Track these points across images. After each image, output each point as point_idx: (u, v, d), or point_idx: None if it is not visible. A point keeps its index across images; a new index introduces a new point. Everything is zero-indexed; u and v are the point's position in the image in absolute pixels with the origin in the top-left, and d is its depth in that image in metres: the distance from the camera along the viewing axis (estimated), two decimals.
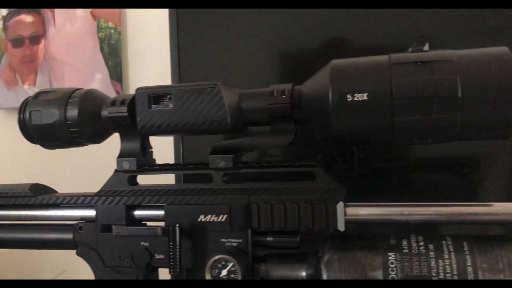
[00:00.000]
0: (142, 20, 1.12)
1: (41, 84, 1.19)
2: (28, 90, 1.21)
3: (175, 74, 0.82)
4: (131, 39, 1.14)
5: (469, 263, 0.33)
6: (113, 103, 0.41)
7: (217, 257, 0.38)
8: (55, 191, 0.47)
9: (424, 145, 0.36)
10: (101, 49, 1.15)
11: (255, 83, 0.74)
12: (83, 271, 1.19)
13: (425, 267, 0.34)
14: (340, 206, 0.36)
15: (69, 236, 0.44)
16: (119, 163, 0.42)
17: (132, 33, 1.14)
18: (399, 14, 0.65)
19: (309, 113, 0.37)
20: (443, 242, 0.35)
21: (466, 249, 0.34)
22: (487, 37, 0.63)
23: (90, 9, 1.16)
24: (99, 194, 0.43)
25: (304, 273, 0.37)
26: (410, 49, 0.36)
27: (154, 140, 0.46)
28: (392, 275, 0.34)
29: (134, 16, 1.13)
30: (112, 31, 1.16)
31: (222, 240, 0.39)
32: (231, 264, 0.37)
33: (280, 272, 0.38)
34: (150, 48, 1.11)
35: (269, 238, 0.39)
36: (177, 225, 0.38)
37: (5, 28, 1.22)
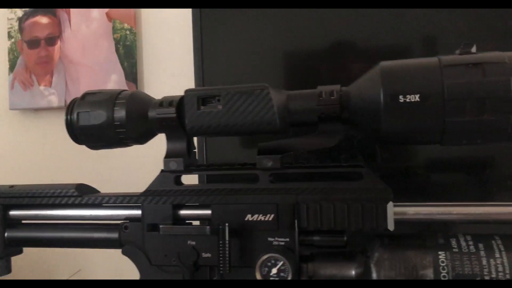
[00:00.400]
0: (157, 21, 1.13)
1: (57, 85, 1.20)
2: (44, 91, 1.22)
3: (199, 74, 0.82)
4: (146, 40, 1.15)
5: None
6: (161, 104, 0.42)
7: (266, 255, 0.38)
8: (97, 191, 0.48)
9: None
10: (117, 50, 1.16)
11: (279, 83, 0.75)
12: (98, 270, 1.20)
13: (476, 266, 0.34)
14: (390, 205, 0.37)
15: (114, 235, 0.44)
16: (166, 163, 0.43)
17: (147, 34, 1.15)
18: (404, 15, 0.66)
19: (357, 114, 0.38)
20: (493, 241, 0.36)
21: None
22: (493, 38, 0.64)
23: (106, 11, 1.17)
24: (146, 193, 0.43)
25: (353, 272, 0.38)
26: (457, 51, 0.36)
27: None
28: (444, 273, 0.35)
29: (149, 17, 1.14)
30: (128, 32, 1.17)
31: (270, 239, 0.40)
32: (281, 263, 0.38)
33: (328, 270, 0.39)
34: (165, 49, 1.12)
35: (316, 237, 0.40)
36: (227, 224, 0.39)
37: (20, 29, 1.24)
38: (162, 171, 0.44)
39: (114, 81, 1.16)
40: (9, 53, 1.24)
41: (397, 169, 0.66)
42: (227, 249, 0.39)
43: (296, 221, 0.39)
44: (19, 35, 1.23)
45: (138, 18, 1.16)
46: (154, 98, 0.44)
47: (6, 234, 0.47)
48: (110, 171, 1.13)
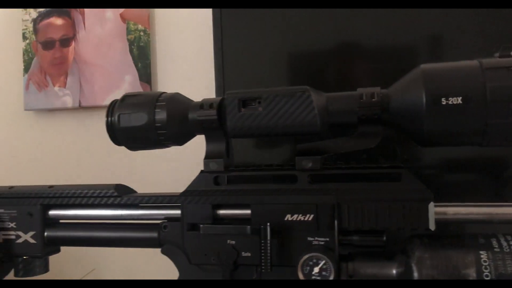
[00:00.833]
0: (171, 22, 1.14)
1: (71, 86, 1.21)
2: (58, 92, 1.23)
3: (219, 75, 0.83)
4: (160, 41, 1.16)
5: None
6: (201, 106, 0.43)
7: (308, 255, 0.39)
8: (134, 191, 0.49)
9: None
10: (131, 51, 1.17)
11: (297, 83, 0.75)
12: (111, 270, 1.21)
13: None
14: (431, 206, 0.37)
15: (153, 234, 0.45)
16: (206, 164, 0.44)
17: (161, 35, 1.15)
18: (410, 14, 0.67)
19: (398, 116, 0.39)
20: None
21: None
22: (499, 38, 0.64)
23: (120, 12, 1.18)
24: (185, 194, 0.44)
25: (394, 271, 0.39)
26: (497, 54, 0.37)
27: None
28: (486, 273, 0.35)
29: (163, 18, 1.15)
30: (141, 33, 1.18)
31: (309, 238, 0.41)
32: (322, 262, 0.39)
33: (369, 270, 0.39)
34: (179, 50, 1.13)
35: (355, 237, 0.41)
36: (268, 224, 0.40)
37: (35, 30, 1.25)
38: (201, 171, 0.44)
39: (128, 82, 1.17)
40: (24, 54, 1.25)
41: (417, 170, 0.67)
42: (268, 248, 0.40)
43: (336, 221, 0.40)
44: (33, 36, 1.24)
45: (152, 19, 1.17)
46: (192, 100, 0.45)
47: (45, 234, 0.48)
48: (123, 171, 1.14)
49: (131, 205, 0.46)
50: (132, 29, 1.18)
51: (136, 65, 1.17)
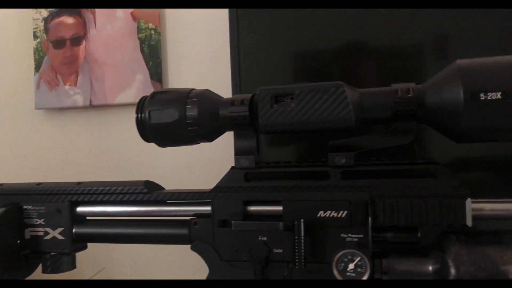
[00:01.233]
0: (181, 21, 1.14)
1: (82, 84, 1.21)
2: (69, 91, 1.23)
3: (235, 73, 0.83)
4: (171, 40, 1.16)
5: None
6: (233, 103, 0.42)
7: (343, 251, 0.39)
8: (163, 188, 0.48)
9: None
10: (141, 50, 1.17)
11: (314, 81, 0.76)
12: (122, 268, 1.20)
13: None
14: (468, 202, 0.37)
15: (183, 231, 0.45)
16: (237, 160, 0.43)
17: (171, 34, 1.15)
18: (416, 14, 0.67)
19: (434, 112, 0.38)
20: None
21: None
22: (504, 36, 0.64)
23: (131, 10, 1.18)
24: (216, 190, 0.44)
25: (430, 268, 0.38)
26: None
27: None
28: None
29: (174, 17, 1.15)
30: (152, 32, 1.18)
31: (342, 235, 0.41)
32: (358, 259, 0.39)
33: (404, 266, 0.39)
34: (189, 49, 1.13)
35: (389, 234, 0.40)
36: (302, 220, 0.40)
37: (46, 29, 1.25)
38: (232, 168, 0.44)
39: (139, 80, 1.17)
40: (34, 53, 1.25)
41: None
42: (302, 244, 0.39)
43: (370, 218, 0.40)
44: (44, 35, 1.24)
45: (163, 18, 1.17)
46: (222, 97, 0.45)
47: (74, 230, 0.48)
48: (133, 169, 1.14)
49: (160, 201, 0.46)
50: (143, 27, 1.18)
51: (147, 64, 1.17)
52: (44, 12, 1.25)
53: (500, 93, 0.35)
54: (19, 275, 0.49)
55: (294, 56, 0.82)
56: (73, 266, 0.49)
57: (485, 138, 0.37)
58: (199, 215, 0.45)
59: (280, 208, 0.42)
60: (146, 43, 1.17)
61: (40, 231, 0.48)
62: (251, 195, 0.43)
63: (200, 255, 0.45)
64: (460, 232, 0.39)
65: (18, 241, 0.48)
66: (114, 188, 0.46)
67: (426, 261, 0.39)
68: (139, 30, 1.17)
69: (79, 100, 1.21)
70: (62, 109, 1.24)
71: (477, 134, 0.37)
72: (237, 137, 0.44)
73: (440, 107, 0.38)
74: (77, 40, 1.22)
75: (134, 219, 0.47)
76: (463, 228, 0.38)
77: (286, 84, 0.41)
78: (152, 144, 1.22)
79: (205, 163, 1.07)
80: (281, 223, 0.41)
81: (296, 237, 0.40)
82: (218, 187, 0.44)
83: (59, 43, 1.24)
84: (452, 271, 0.37)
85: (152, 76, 1.15)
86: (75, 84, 1.22)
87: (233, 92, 0.84)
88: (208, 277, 0.45)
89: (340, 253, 0.39)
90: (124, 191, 0.46)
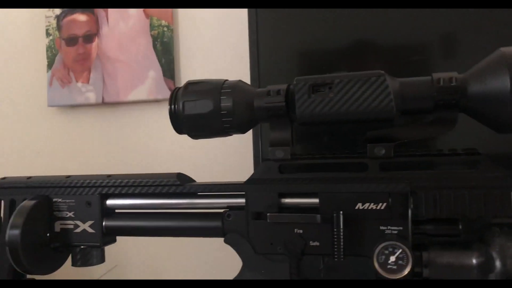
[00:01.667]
0: (193, 18, 1.14)
1: (94, 81, 1.21)
2: (82, 88, 1.23)
3: (255, 69, 0.82)
4: (183, 37, 1.15)
5: None
6: (268, 93, 0.42)
7: (385, 243, 0.38)
8: (194, 180, 0.48)
9: None
10: (154, 47, 1.17)
11: None
12: (134, 266, 1.20)
13: None
14: None
15: (217, 223, 0.44)
16: (272, 152, 0.43)
17: (184, 30, 1.15)
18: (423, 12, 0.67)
19: (477, 102, 0.37)
20: None
21: None
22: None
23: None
24: (250, 182, 0.43)
25: (473, 260, 0.37)
26: None
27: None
28: None
29: (186, 14, 1.14)
30: (165, 29, 1.17)
31: (382, 227, 0.40)
32: (399, 251, 0.38)
33: (445, 259, 0.38)
34: (202, 46, 1.13)
35: (429, 226, 0.40)
36: (341, 212, 0.39)
37: (59, 27, 1.24)
38: (266, 159, 0.44)
39: (152, 77, 1.17)
40: (47, 51, 1.25)
41: None
42: (341, 237, 0.39)
43: (410, 210, 0.39)
44: (57, 32, 1.24)
45: (175, 15, 1.16)
46: (255, 88, 0.44)
47: (104, 223, 0.48)
48: (146, 166, 1.14)
49: (192, 194, 0.45)
50: (156, 24, 1.17)
51: (159, 61, 1.16)
52: (57, 10, 1.24)
53: None
54: (49, 268, 0.48)
55: (309, 53, 0.82)
56: (102, 259, 0.49)
57: None
58: (232, 208, 0.45)
59: (316, 200, 0.42)
60: (158, 40, 1.16)
61: (70, 224, 0.48)
62: (287, 187, 0.42)
63: (233, 248, 0.44)
64: (505, 224, 0.38)
65: (48, 234, 0.48)
66: (146, 180, 0.46)
67: (469, 254, 0.38)
68: (152, 27, 1.17)
69: (92, 97, 1.20)
70: (74, 106, 1.24)
71: None
72: (272, 128, 0.43)
73: (484, 96, 0.37)
74: (89, 37, 1.22)
75: (164, 212, 0.47)
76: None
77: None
78: (164, 141, 1.22)
79: (218, 159, 1.06)
80: (318, 215, 0.40)
81: (335, 230, 0.39)
82: (252, 179, 0.44)
83: (71, 41, 1.23)
84: (498, 264, 0.36)
85: (164, 73, 1.15)
86: (88, 81, 1.22)
87: None
88: (241, 270, 0.44)
89: (381, 246, 0.38)
90: (156, 183, 0.45)
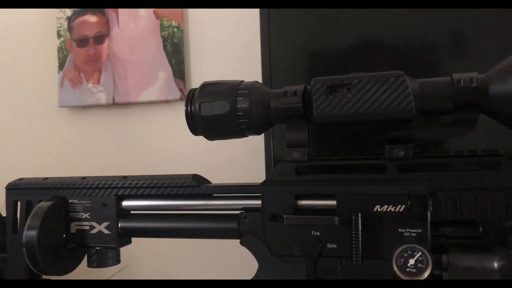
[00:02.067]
0: (203, 19, 1.14)
1: (105, 82, 1.21)
2: (92, 89, 1.23)
3: (266, 70, 0.82)
4: (194, 38, 1.15)
5: None
6: (285, 94, 0.42)
7: (404, 246, 0.38)
8: (209, 182, 0.48)
9: None
10: (164, 47, 1.17)
11: None
12: (145, 266, 1.20)
13: None
14: None
15: (233, 225, 0.44)
16: (288, 153, 0.43)
17: (194, 31, 1.15)
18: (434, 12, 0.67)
19: (499, 102, 0.37)
20: None
21: None
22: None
23: (153, 8, 1.17)
24: (267, 183, 0.43)
25: (495, 264, 0.37)
26: None
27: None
28: None
29: (197, 14, 1.14)
30: (175, 29, 1.17)
31: (400, 230, 0.40)
32: (419, 254, 0.37)
33: (465, 262, 0.38)
34: (212, 47, 1.13)
35: (448, 228, 0.39)
36: (360, 214, 0.39)
37: (70, 28, 1.25)
38: (283, 161, 0.43)
39: (162, 78, 1.17)
40: (58, 52, 1.26)
41: None
42: (360, 240, 0.38)
43: (429, 212, 0.38)
44: (68, 34, 1.25)
45: (185, 16, 1.16)
46: (271, 89, 0.44)
47: (119, 224, 0.48)
48: (156, 167, 1.14)
49: (208, 195, 0.45)
50: (166, 25, 1.18)
51: (170, 62, 1.16)
52: (68, 11, 1.25)
53: None
54: (65, 269, 0.48)
55: (321, 53, 0.82)
56: (118, 261, 0.49)
57: None
58: (248, 209, 0.44)
59: (333, 202, 0.41)
60: (169, 41, 1.17)
61: (86, 225, 0.48)
62: (303, 189, 0.42)
63: (249, 250, 0.44)
64: None
65: (64, 235, 0.48)
66: (162, 181, 0.46)
67: (490, 257, 0.37)
68: (162, 28, 1.17)
69: (102, 98, 1.21)
70: (85, 107, 1.24)
71: None
72: (288, 129, 0.43)
73: (505, 97, 0.36)
74: (100, 38, 1.22)
75: (181, 213, 0.47)
76: None
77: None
78: (174, 142, 1.22)
79: (229, 160, 1.06)
80: (336, 217, 0.40)
81: (353, 232, 0.39)
82: (269, 181, 0.43)
83: (82, 42, 1.24)
84: None
85: (175, 74, 1.15)
86: (98, 82, 1.22)
87: None
88: (257, 271, 0.44)
89: (400, 248, 0.38)
90: (172, 185, 0.45)
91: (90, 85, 1.24)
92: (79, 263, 0.50)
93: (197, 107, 0.43)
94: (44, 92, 1.28)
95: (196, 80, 1.15)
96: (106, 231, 0.47)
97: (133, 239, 0.52)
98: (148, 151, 1.17)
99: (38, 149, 1.28)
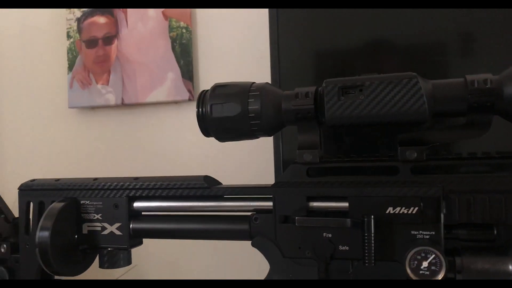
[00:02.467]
0: (212, 19, 1.14)
1: (114, 83, 1.22)
2: (101, 89, 1.24)
3: (275, 71, 0.82)
4: (202, 38, 1.16)
5: None
6: (296, 95, 0.41)
7: (417, 248, 0.37)
8: (220, 183, 0.48)
9: None
10: (173, 48, 1.17)
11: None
12: (153, 266, 1.21)
13: None
14: None
15: (244, 227, 0.44)
16: (300, 155, 0.42)
17: (203, 32, 1.15)
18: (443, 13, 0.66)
19: None
20: None
21: None
22: None
23: (162, 9, 1.18)
24: (278, 185, 0.43)
25: (510, 267, 0.37)
26: None
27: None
28: None
29: (205, 15, 1.14)
30: (184, 30, 1.18)
31: (413, 232, 0.39)
32: (432, 256, 0.37)
33: (479, 265, 0.37)
34: (221, 47, 1.13)
35: (462, 231, 0.39)
36: (372, 216, 0.38)
37: (79, 29, 1.26)
38: (294, 162, 0.43)
39: (171, 79, 1.17)
40: (68, 53, 1.27)
41: None
42: (372, 242, 0.38)
43: (442, 214, 0.38)
44: (77, 35, 1.26)
45: (194, 16, 1.17)
46: (282, 90, 0.44)
47: (131, 225, 0.48)
48: (165, 168, 1.14)
49: (219, 196, 0.45)
50: (174, 26, 1.18)
51: (178, 62, 1.17)
52: (77, 12, 1.26)
53: None
54: (77, 269, 0.49)
55: (329, 54, 0.81)
56: (129, 261, 0.49)
57: None
58: (259, 211, 0.44)
59: (345, 204, 0.41)
60: (177, 41, 1.17)
61: (98, 226, 0.48)
62: (315, 191, 0.42)
63: (260, 252, 0.44)
64: None
65: (76, 236, 0.48)
66: (173, 183, 0.46)
67: (505, 260, 0.37)
68: (171, 28, 1.17)
69: (111, 98, 1.22)
70: (94, 108, 1.25)
71: None
72: (300, 131, 0.43)
73: None
74: (109, 39, 1.23)
75: (192, 215, 0.47)
76: None
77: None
78: (182, 142, 1.22)
79: (238, 161, 1.06)
80: (348, 219, 0.40)
81: (366, 234, 0.38)
82: (280, 182, 0.43)
83: (91, 43, 1.25)
84: None
85: (183, 75, 1.15)
86: (107, 83, 1.23)
87: None
88: (269, 273, 0.44)
89: (413, 251, 0.37)
90: (183, 186, 0.45)
91: (99, 86, 1.25)
92: (91, 263, 0.51)
93: (208, 109, 0.43)
94: (54, 93, 1.29)
95: (204, 81, 1.15)
96: (117, 232, 0.48)
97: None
98: (156, 151, 1.18)
99: (48, 149, 1.30)
